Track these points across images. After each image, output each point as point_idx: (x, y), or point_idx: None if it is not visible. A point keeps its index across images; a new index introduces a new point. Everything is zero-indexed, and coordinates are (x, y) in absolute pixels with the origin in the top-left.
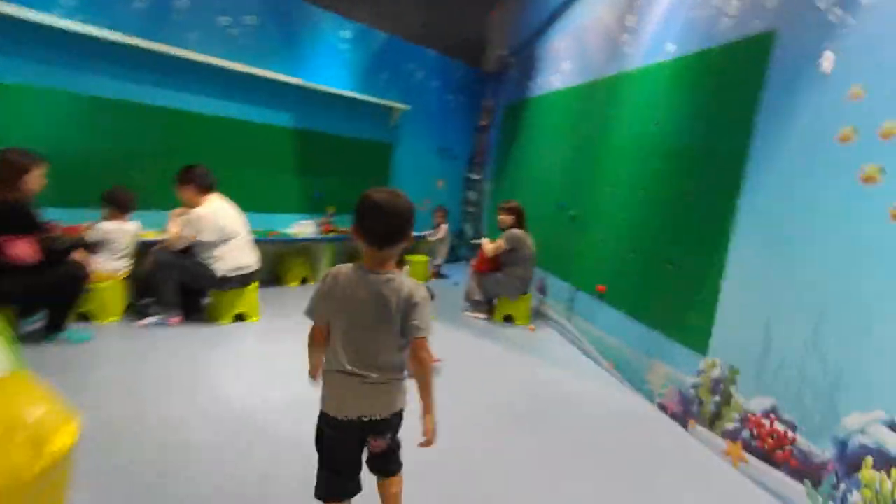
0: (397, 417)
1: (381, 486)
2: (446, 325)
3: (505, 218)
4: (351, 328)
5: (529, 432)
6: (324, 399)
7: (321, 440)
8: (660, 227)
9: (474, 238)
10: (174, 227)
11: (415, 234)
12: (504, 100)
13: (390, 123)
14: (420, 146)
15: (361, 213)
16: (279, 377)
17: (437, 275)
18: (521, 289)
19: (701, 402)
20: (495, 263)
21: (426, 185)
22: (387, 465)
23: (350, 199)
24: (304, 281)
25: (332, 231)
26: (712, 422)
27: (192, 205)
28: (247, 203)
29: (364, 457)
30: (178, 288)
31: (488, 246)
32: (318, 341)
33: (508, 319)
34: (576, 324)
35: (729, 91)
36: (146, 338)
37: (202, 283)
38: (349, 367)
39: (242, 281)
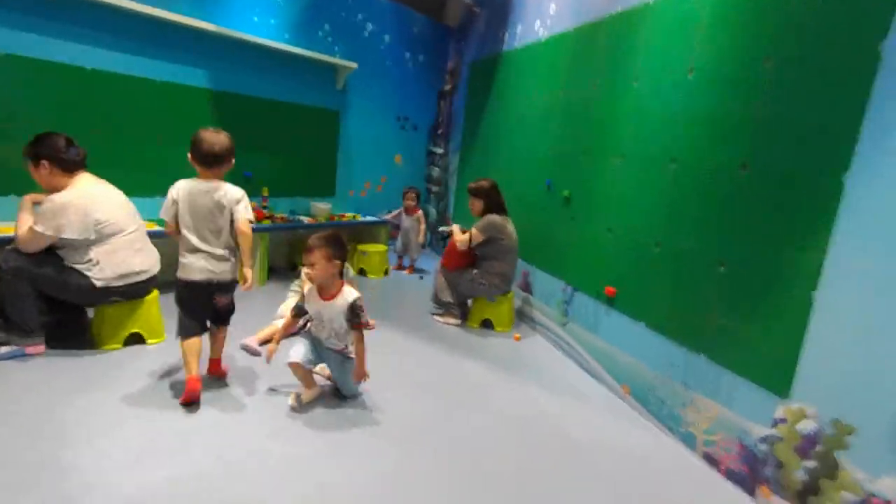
0: (233, 283)
1: (214, 332)
2: (409, 333)
3: (476, 203)
4: (197, 222)
5: (528, 500)
6: (183, 270)
7: (182, 300)
8: (701, 214)
9: (440, 225)
10: (25, 220)
11: (373, 217)
12: (470, 57)
13: (336, 87)
14: (373, 115)
15: (193, 144)
16: (171, 440)
17: (412, 271)
18: (501, 288)
19: (780, 465)
20: (468, 257)
21: (382, 160)
22: (225, 317)
23: (289, 178)
24: None
25: (266, 218)
26: (803, 497)
27: (52, 189)
28: (147, 185)
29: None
30: (37, 304)
31: (459, 236)
32: (170, 233)
33: (486, 325)
34: (573, 333)
35: (825, 14)
36: None
37: (71, 296)
38: (200, 247)
39: (133, 291)
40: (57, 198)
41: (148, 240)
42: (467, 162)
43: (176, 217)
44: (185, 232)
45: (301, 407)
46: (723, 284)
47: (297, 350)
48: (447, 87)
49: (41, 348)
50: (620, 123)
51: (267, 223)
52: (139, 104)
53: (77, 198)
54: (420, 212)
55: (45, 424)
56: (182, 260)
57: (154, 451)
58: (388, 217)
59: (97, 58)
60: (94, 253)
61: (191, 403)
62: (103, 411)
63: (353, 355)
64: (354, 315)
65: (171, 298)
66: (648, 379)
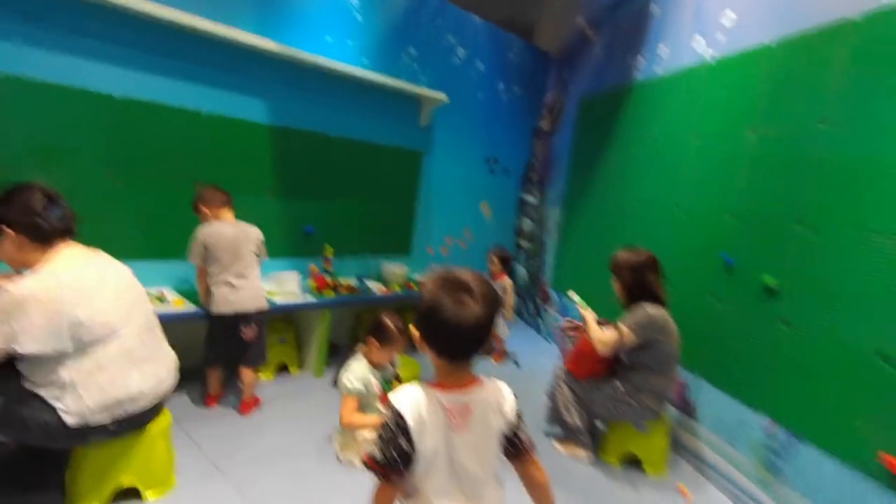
0: (263, 314)
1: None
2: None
3: (620, 285)
4: (230, 261)
5: None
6: (214, 305)
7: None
8: None
9: (532, 289)
10: None
11: None
12: (581, 90)
13: (419, 122)
14: (459, 156)
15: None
16: None
17: (502, 355)
18: (654, 410)
19: None
20: (607, 362)
21: (468, 210)
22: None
23: (358, 233)
24: (282, 370)
25: (329, 287)
26: None
27: (21, 267)
28: (182, 243)
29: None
30: None
31: (599, 334)
32: (201, 279)
33: (631, 462)
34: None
35: None
36: None
37: (32, 438)
38: (233, 281)
39: (126, 426)
40: (14, 288)
41: (159, 341)
42: (576, 218)
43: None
44: (220, 272)
45: None
46: None
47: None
48: (545, 125)
49: None
50: (887, 180)
51: (330, 295)
52: (176, 142)
53: (45, 288)
54: (507, 279)
55: None
56: (215, 296)
57: None
58: None
59: (127, 83)
60: (67, 372)
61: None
62: None
63: None
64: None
65: (189, 426)
66: None
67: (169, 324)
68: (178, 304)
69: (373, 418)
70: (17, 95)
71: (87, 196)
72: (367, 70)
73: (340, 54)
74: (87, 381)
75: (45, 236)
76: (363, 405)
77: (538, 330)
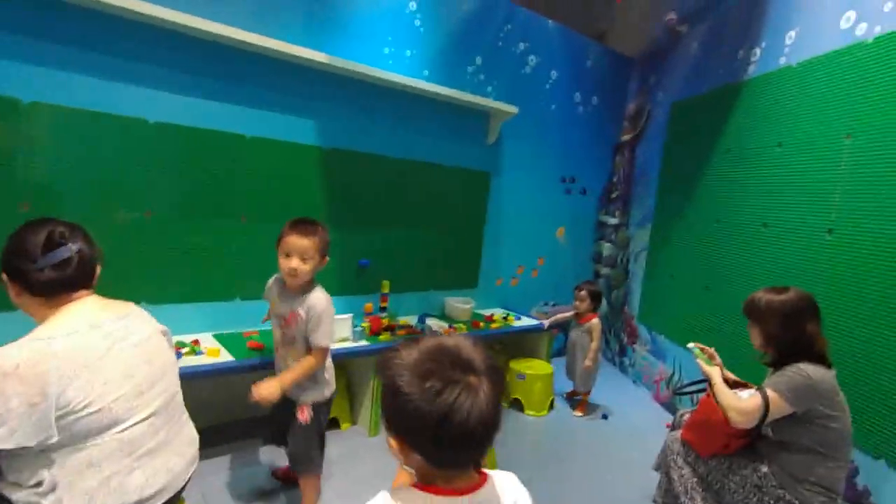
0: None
1: None
2: None
3: (758, 333)
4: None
5: None
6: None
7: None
8: None
9: (616, 328)
10: None
11: (531, 319)
12: (671, 95)
13: (486, 139)
14: (532, 175)
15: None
16: None
17: (586, 406)
18: None
19: None
20: (745, 436)
21: (542, 236)
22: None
23: (419, 266)
24: (331, 425)
25: (386, 330)
26: None
27: (39, 320)
28: (225, 284)
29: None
30: None
31: (735, 400)
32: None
33: None
34: None
35: None
36: None
37: None
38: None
39: None
40: (5, 360)
41: (179, 424)
42: (670, 241)
43: None
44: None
45: None
46: None
47: None
48: (627, 137)
49: None
50: None
51: (386, 339)
52: (216, 170)
53: (31, 361)
54: (595, 320)
55: None
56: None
57: None
58: (546, 321)
59: (162, 106)
60: (49, 471)
61: None
62: None
63: None
64: None
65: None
66: None
67: (199, 378)
68: (212, 355)
69: None
70: (53, 124)
71: (119, 233)
72: (428, 82)
73: (399, 66)
74: (71, 483)
75: (38, 288)
76: None
77: (623, 370)
